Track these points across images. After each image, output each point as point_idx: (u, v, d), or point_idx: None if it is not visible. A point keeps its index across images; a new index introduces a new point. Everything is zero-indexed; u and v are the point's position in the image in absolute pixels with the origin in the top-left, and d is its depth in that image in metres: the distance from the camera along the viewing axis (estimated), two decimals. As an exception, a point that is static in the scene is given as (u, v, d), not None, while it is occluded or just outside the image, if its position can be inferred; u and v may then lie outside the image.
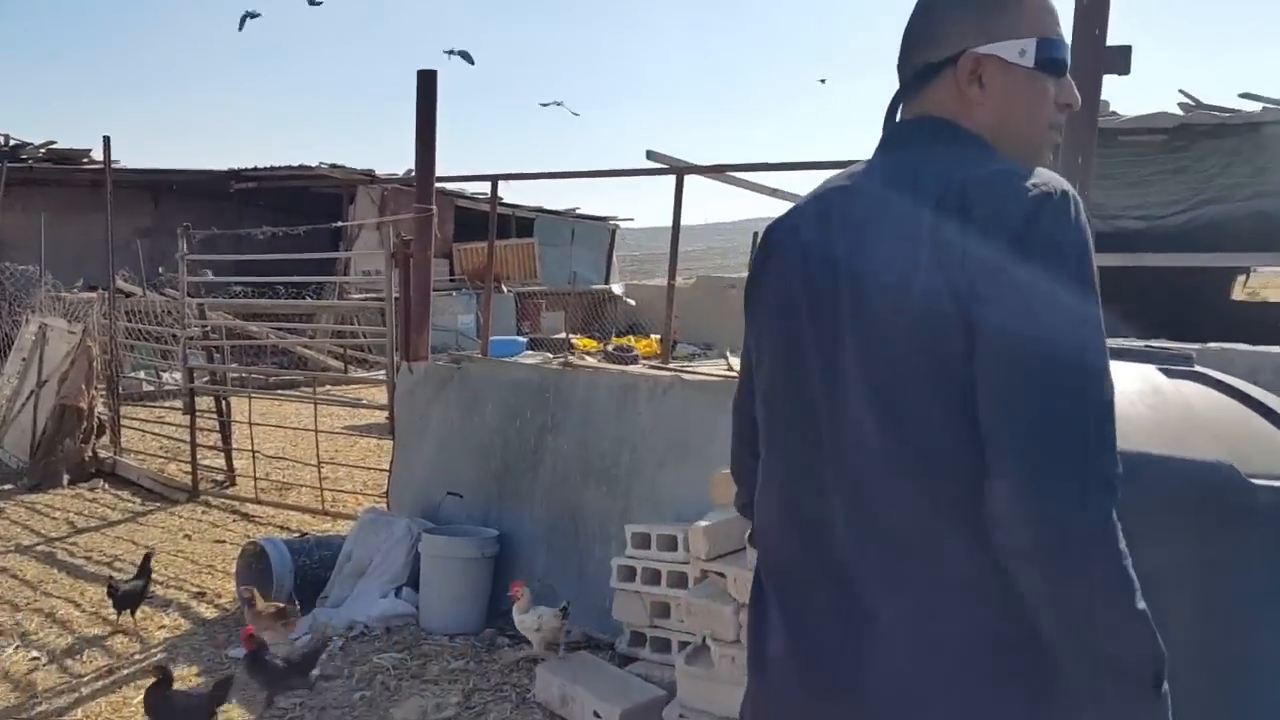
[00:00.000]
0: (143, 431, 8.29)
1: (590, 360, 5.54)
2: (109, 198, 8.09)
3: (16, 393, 8.59)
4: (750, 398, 1.35)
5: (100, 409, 7.75)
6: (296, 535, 5.53)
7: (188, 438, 7.76)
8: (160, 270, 16.36)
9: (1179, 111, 6.51)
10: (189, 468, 7.31)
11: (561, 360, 5.01)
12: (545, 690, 3.43)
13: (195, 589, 4.97)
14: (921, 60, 1.22)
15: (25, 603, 4.77)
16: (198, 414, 7.02)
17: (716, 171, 13.59)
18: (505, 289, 20.21)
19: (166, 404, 9.65)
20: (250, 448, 6.88)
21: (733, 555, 3.09)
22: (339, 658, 4.00)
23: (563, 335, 19.10)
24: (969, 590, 1.06)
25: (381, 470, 7.35)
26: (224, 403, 7.02)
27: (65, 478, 7.24)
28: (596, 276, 24.88)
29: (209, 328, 6.93)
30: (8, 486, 7.26)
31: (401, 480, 5.33)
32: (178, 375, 11.57)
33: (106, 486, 7.21)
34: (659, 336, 20.39)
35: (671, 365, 4.88)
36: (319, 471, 6.31)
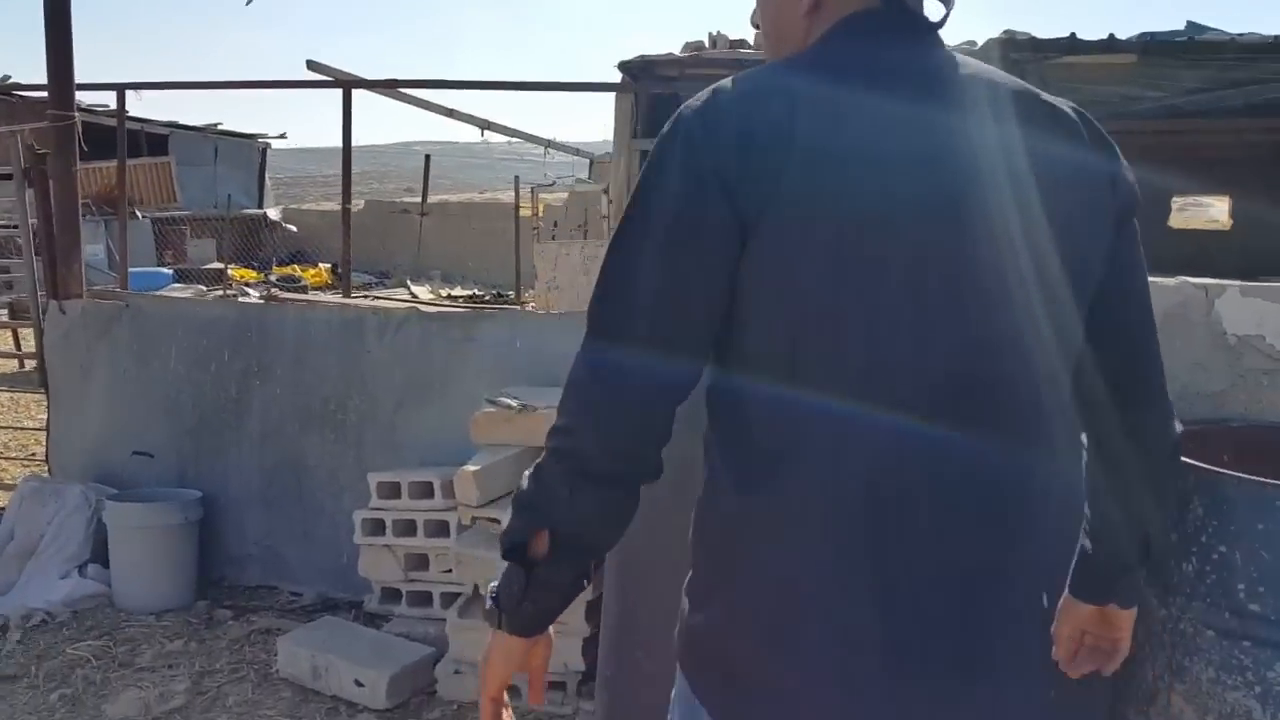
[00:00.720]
0: None
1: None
2: None
3: None
4: (697, 337, 1.01)
5: None
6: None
7: None
8: None
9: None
10: None
11: (264, 293, 4.48)
12: (291, 664, 3.09)
13: None
14: None
15: None
16: None
17: (390, 86, 12.81)
18: (140, 214, 18.01)
19: None
20: None
21: (505, 499, 2.93)
22: (18, 653, 3.36)
23: (217, 265, 17.38)
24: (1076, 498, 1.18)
25: (23, 429, 6.32)
26: None
27: None
28: (248, 200, 22.87)
29: None
30: None
31: (64, 442, 4.54)
32: None
33: None
34: (328, 265, 19.21)
35: (388, 295, 4.55)
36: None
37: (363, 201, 21.84)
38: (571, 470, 1.01)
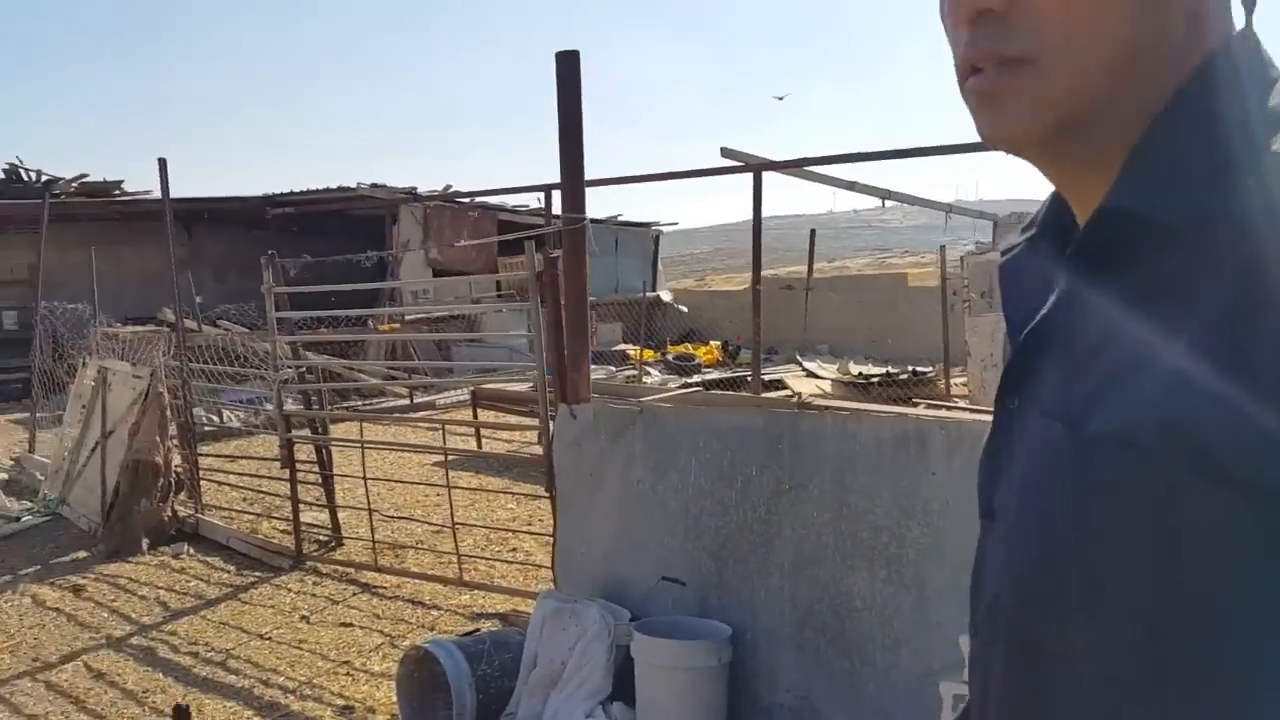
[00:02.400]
0: (219, 484, 7.40)
1: (807, 393, 4.56)
2: (170, 228, 7.20)
3: (79, 444, 7.73)
4: None
5: (176, 461, 6.87)
6: (467, 629, 4.60)
7: (272, 489, 6.92)
8: (199, 300, 15.62)
9: None
10: (284, 525, 6.44)
11: (795, 399, 4.06)
12: None
13: (338, 700, 4.04)
14: None
15: (133, 727, 3.87)
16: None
17: (799, 165, 12.59)
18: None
19: (229, 449, 8.81)
20: (362, 504, 5.96)
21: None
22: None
23: (623, 347, 18.18)
24: None
25: (511, 531, 6.29)
26: (325, 452, 6.10)
27: (144, 542, 6.37)
28: (643, 284, 24.02)
29: (304, 369, 6.01)
30: (82, 554, 6.38)
31: (571, 550, 4.38)
32: (238, 414, 10.75)
33: (192, 551, 6.32)
34: (719, 343, 19.47)
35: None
36: (454, 534, 5.36)
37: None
38: None
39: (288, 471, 5.87)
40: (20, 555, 6.47)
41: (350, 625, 4.85)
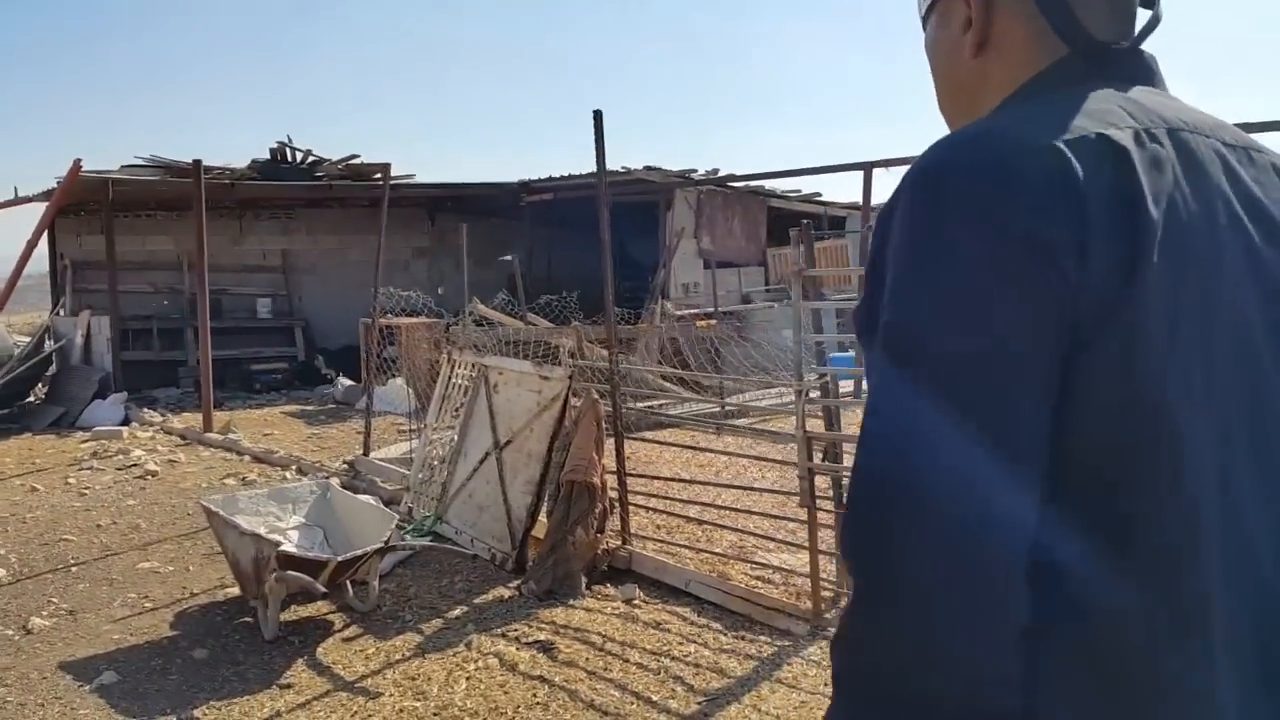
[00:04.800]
0: (636, 506, 6.20)
1: None
2: (605, 217, 6.01)
3: (459, 454, 6.71)
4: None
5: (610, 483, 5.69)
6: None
7: (694, 514, 5.66)
8: (440, 291, 14.71)
9: None
10: (755, 569, 5.13)
11: None
12: None
13: None
14: None
15: None
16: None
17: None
18: (826, 296, 17.80)
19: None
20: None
21: None
22: None
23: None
24: None
25: None
26: (840, 485, 4.73)
27: (583, 580, 5.20)
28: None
29: (825, 377, 4.63)
30: (505, 593, 5.25)
31: None
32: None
33: (643, 597, 5.10)
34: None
35: None
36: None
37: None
38: None
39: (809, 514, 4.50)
40: (430, 589, 5.42)
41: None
